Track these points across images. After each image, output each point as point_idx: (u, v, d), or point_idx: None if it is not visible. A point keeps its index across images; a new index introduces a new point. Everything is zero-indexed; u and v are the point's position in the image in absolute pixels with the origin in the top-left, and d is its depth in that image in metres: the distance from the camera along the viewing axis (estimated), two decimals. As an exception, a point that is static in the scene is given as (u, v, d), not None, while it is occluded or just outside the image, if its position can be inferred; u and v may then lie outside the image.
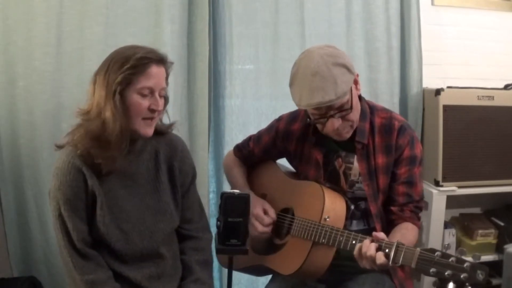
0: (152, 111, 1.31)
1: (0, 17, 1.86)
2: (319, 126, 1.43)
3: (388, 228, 1.44)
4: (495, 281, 2.31)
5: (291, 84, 1.40)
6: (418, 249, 1.18)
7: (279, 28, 2.17)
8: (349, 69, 1.35)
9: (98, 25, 1.93)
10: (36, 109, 1.90)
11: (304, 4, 2.17)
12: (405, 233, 1.38)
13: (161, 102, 1.32)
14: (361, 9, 2.24)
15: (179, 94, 2.02)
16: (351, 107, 1.37)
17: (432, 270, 1.12)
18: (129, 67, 1.25)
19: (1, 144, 1.92)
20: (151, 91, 1.29)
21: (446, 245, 1.18)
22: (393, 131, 1.46)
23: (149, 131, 1.33)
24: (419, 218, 1.49)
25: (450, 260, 1.11)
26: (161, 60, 1.31)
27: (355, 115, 1.41)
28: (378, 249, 1.22)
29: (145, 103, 1.29)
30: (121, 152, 1.31)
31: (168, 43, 1.95)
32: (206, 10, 2.02)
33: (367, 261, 1.24)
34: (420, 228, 1.49)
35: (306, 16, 2.18)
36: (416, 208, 1.47)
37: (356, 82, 1.41)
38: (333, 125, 1.36)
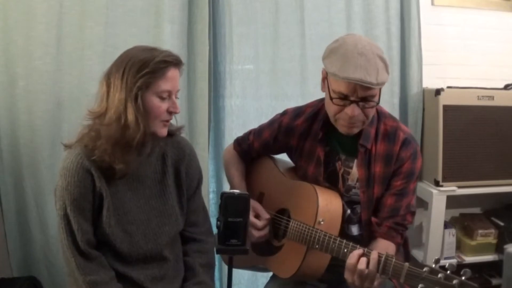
0: (170, 113, 1.32)
1: (0, 17, 1.86)
2: (334, 108, 1.36)
3: (369, 238, 1.44)
4: (495, 281, 2.31)
5: (328, 55, 1.35)
6: (407, 264, 1.17)
7: (279, 28, 2.17)
8: (387, 68, 1.33)
9: (98, 25, 1.93)
10: (36, 109, 1.91)
11: (304, 4, 2.17)
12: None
13: (178, 104, 1.33)
14: (361, 9, 2.24)
15: (179, 94, 2.02)
16: (378, 103, 1.35)
17: (421, 286, 1.11)
18: (149, 71, 1.25)
19: (1, 144, 1.92)
20: (169, 94, 1.30)
21: (436, 259, 1.16)
22: (396, 142, 1.43)
23: (165, 131, 1.35)
24: (400, 234, 1.44)
25: (438, 276, 1.10)
26: (178, 63, 1.32)
27: (373, 112, 1.39)
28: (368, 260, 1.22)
29: (164, 105, 1.30)
30: (140, 156, 1.32)
31: (168, 43, 1.94)
32: (206, 10, 2.02)
33: (357, 275, 1.23)
34: (399, 245, 1.46)
35: (306, 16, 2.18)
36: (397, 224, 1.42)
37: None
38: (353, 111, 1.32)
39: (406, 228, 1.45)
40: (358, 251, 1.26)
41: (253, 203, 1.54)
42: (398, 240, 1.44)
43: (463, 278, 1.07)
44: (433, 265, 1.13)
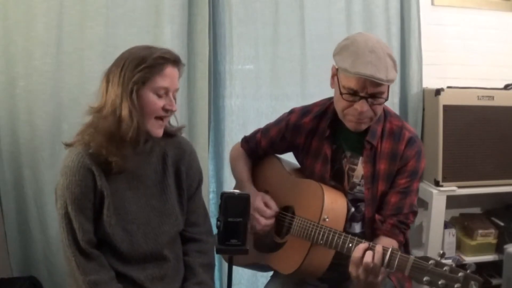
0: (166, 111, 1.32)
1: (0, 17, 1.86)
2: (343, 104, 1.38)
3: (372, 235, 1.44)
4: (495, 281, 2.31)
5: (339, 52, 1.37)
6: (412, 256, 1.17)
7: (279, 28, 2.17)
8: (396, 67, 1.36)
9: (98, 25, 1.93)
10: (36, 109, 1.91)
11: (304, 4, 2.18)
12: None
13: (174, 102, 1.34)
14: (361, 9, 2.24)
15: (179, 94, 2.02)
16: (386, 99, 1.37)
17: (426, 278, 1.12)
18: (146, 66, 1.26)
19: (1, 144, 1.92)
20: (166, 91, 1.31)
21: (441, 253, 1.17)
22: (401, 140, 1.45)
23: (160, 131, 1.35)
24: (403, 233, 1.45)
25: (444, 269, 1.10)
26: (176, 61, 1.33)
27: (381, 109, 1.41)
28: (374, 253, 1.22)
29: (160, 102, 1.31)
30: (134, 151, 1.33)
31: (168, 43, 1.94)
32: (206, 10, 2.02)
33: (362, 268, 1.23)
34: (401, 243, 1.47)
35: (306, 16, 2.18)
36: (400, 223, 1.44)
37: None
38: (362, 107, 1.34)
39: (408, 227, 1.47)
40: (364, 244, 1.26)
41: (264, 195, 1.56)
42: (401, 238, 1.45)
43: (468, 271, 1.08)
44: (438, 259, 1.13)
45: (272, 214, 1.53)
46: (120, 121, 1.26)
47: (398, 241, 1.44)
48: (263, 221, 1.51)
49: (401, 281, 1.49)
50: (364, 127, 1.42)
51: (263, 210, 1.51)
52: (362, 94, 1.33)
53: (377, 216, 1.45)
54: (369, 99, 1.34)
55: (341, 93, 1.37)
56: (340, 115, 1.42)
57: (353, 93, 1.34)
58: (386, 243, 1.38)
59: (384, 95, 1.36)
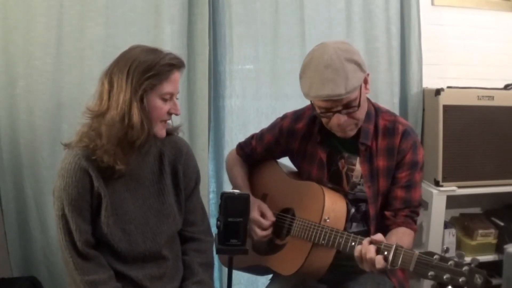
0: (170, 114, 1.34)
1: (0, 17, 1.86)
2: (323, 120, 1.42)
3: (382, 232, 1.43)
4: (495, 281, 2.31)
5: (301, 74, 1.39)
6: (417, 252, 1.17)
7: (279, 28, 2.17)
8: (361, 67, 1.34)
9: (98, 25, 1.93)
10: (36, 109, 1.91)
11: (304, 4, 2.18)
12: (401, 237, 1.38)
13: (178, 106, 1.35)
14: (361, 9, 2.24)
15: (179, 94, 2.02)
16: (359, 105, 1.36)
17: (431, 273, 1.12)
18: (155, 74, 1.26)
19: (1, 144, 1.92)
20: (171, 96, 1.32)
21: (445, 248, 1.17)
22: (396, 135, 1.45)
23: (164, 132, 1.37)
24: (415, 222, 1.47)
25: (448, 263, 1.10)
26: (182, 66, 1.34)
27: (361, 113, 1.41)
28: (377, 251, 1.22)
29: (166, 107, 1.32)
30: (139, 156, 1.34)
31: (168, 43, 1.95)
32: (206, 10, 2.02)
33: (367, 264, 1.23)
34: (416, 231, 1.48)
35: (306, 16, 2.19)
36: (412, 212, 1.46)
37: (366, 81, 1.40)
38: (339, 120, 1.36)
39: (417, 216, 1.49)
40: (367, 240, 1.25)
41: (260, 203, 1.57)
42: (415, 227, 1.47)
43: (472, 265, 1.09)
44: (442, 254, 1.14)
45: (269, 224, 1.53)
46: (129, 128, 1.25)
47: (413, 230, 1.46)
48: (260, 232, 1.52)
49: (401, 281, 1.49)
50: (352, 133, 1.43)
51: (259, 222, 1.52)
52: (334, 110, 1.35)
53: (387, 213, 1.46)
54: (343, 111, 1.35)
55: (317, 113, 1.40)
56: (327, 127, 1.44)
57: (326, 111, 1.37)
58: (402, 233, 1.41)
59: (356, 102, 1.36)
